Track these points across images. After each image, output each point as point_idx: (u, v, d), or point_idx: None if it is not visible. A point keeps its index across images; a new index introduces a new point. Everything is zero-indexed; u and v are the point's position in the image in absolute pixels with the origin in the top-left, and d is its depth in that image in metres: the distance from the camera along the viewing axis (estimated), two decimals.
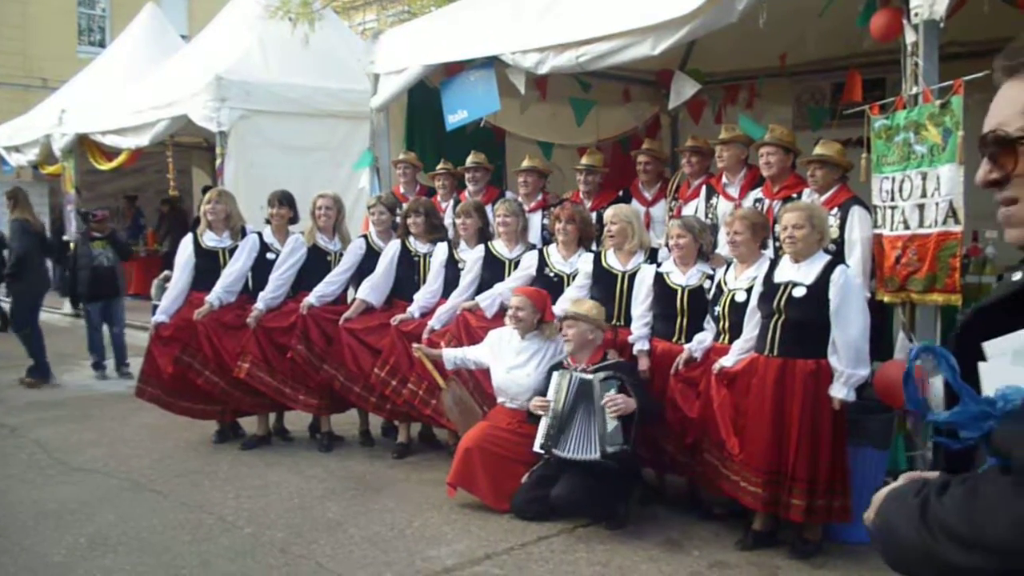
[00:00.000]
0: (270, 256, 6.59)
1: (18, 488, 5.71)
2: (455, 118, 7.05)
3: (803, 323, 4.49)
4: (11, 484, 5.79)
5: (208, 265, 6.58)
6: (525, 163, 7.00)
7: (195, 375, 6.45)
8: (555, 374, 5.13)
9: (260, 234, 6.68)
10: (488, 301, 6.01)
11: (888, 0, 4.64)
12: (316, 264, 6.57)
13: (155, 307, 10.63)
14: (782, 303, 4.55)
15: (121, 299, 9.63)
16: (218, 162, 9.75)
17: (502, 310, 5.93)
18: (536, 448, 5.07)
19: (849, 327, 4.39)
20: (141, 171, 14.99)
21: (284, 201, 6.68)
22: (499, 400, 5.55)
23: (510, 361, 5.48)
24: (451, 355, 5.76)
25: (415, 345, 5.92)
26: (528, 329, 5.47)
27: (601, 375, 4.94)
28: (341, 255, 6.64)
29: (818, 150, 5.29)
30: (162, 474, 5.98)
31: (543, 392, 5.16)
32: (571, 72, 6.57)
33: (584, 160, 6.92)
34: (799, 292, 4.52)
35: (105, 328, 9.44)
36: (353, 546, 4.71)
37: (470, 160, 7.13)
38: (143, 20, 14.93)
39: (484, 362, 5.65)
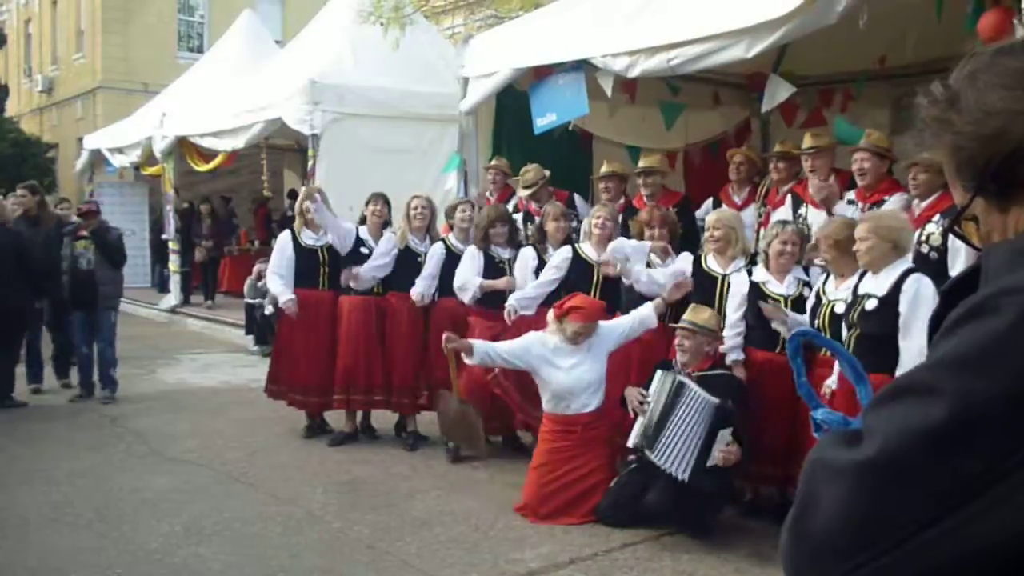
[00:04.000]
0: (363, 251, 6.70)
1: (118, 476, 5.94)
2: (543, 121, 7.05)
3: (876, 336, 4.26)
4: (111, 472, 6.02)
5: (307, 262, 6.75)
6: (604, 168, 6.96)
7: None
8: (659, 372, 5.03)
9: (357, 230, 6.80)
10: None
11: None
12: (407, 265, 6.65)
13: (247, 305, 11.04)
14: (855, 316, 4.41)
15: (107, 311, 8.13)
16: (310, 164, 9.99)
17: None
18: (629, 444, 5.00)
19: (913, 339, 4.13)
20: (235, 172, 15.46)
21: (381, 200, 6.84)
22: (559, 407, 5.29)
23: (568, 360, 5.27)
24: (482, 348, 5.39)
25: (446, 335, 5.53)
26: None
27: (713, 406, 4.73)
28: None
29: (923, 154, 5.11)
30: (253, 467, 6.14)
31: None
32: (661, 75, 6.51)
33: (642, 162, 6.82)
34: (871, 304, 4.34)
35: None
36: (438, 545, 4.75)
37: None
38: (240, 26, 15.44)
39: (515, 363, 5.36)
